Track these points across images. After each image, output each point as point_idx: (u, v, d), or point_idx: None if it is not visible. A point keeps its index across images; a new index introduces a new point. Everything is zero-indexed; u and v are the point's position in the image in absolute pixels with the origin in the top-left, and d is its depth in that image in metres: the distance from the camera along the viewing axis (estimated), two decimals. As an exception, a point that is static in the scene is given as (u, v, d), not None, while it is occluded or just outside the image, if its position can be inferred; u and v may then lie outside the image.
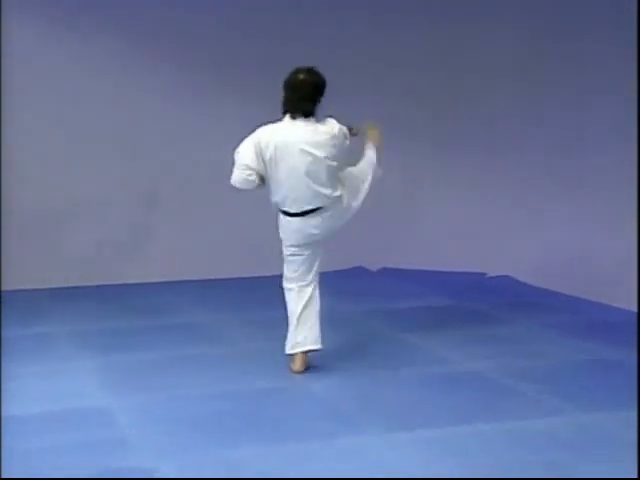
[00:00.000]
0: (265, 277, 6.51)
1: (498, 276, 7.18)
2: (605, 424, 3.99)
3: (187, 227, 7.21)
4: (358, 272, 7.47)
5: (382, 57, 7.16)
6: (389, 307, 6.30)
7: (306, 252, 4.71)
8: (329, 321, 5.57)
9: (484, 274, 7.24)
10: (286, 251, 4.76)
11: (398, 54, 7.26)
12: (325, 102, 4.61)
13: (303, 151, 4.51)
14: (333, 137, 4.54)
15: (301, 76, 4.53)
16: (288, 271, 4.77)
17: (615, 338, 5.32)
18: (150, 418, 4.09)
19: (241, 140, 4.64)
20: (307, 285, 4.73)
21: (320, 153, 4.51)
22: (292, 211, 4.64)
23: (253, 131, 4.64)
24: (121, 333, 5.56)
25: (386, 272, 7.47)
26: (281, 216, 4.71)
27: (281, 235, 4.75)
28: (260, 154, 4.54)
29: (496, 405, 4.24)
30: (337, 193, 4.63)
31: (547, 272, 6.67)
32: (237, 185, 4.60)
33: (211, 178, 6.53)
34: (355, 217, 7.00)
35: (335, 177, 4.63)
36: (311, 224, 4.63)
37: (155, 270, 7.06)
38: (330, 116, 4.63)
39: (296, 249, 4.72)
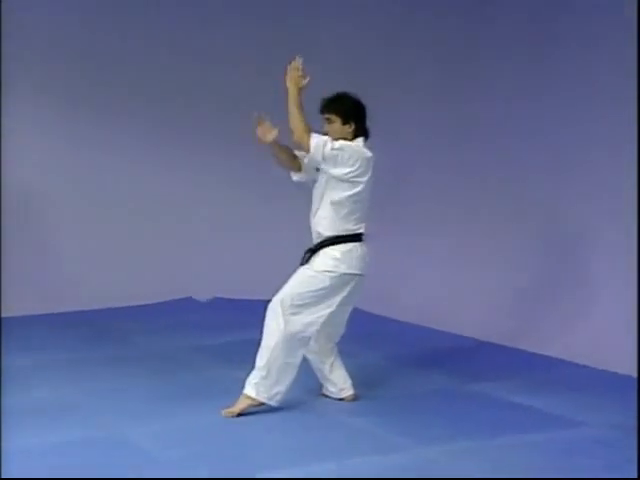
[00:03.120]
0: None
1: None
2: (439, 458, 3.86)
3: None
4: (186, 303, 7.17)
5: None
6: (219, 342, 6.01)
7: None
8: (149, 360, 5.49)
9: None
10: None
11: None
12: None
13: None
14: None
15: None
16: None
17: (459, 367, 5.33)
18: None
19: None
20: None
21: None
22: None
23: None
24: None
25: (217, 303, 7.21)
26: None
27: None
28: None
29: (327, 443, 4.07)
30: None
31: (391, 301, 6.55)
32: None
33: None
34: (182, 243, 7.21)
35: None
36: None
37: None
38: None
39: None
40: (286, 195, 7.14)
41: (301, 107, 4.32)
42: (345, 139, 4.41)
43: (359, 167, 4.35)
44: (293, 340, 4.36)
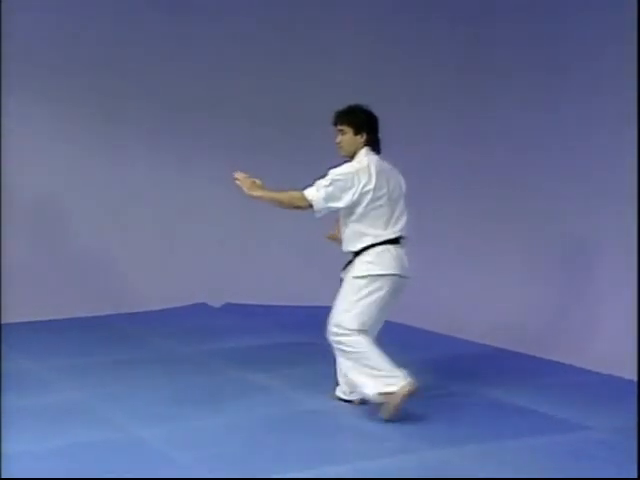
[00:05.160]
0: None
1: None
2: (451, 460, 3.93)
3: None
4: (200, 309, 7.24)
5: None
6: (232, 345, 6.09)
7: None
8: (163, 363, 5.56)
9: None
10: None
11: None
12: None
13: None
14: None
15: None
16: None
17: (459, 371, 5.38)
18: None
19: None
20: None
21: None
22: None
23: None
24: None
25: (229, 308, 7.27)
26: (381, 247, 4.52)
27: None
28: None
29: (339, 446, 4.15)
30: None
31: (403, 307, 6.46)
32: None
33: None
34: (195, 251, 7.27)
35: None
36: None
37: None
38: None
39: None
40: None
41: (272, 191, 4.50)
42: (355, 151, 4.57)
43: (360, 181, 4.46)
44: (365, 336, 4.49)
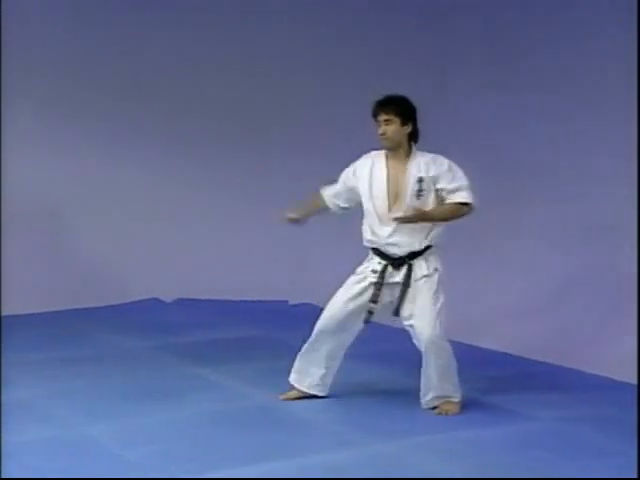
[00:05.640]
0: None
1: (300, 304, 7.05)
2: (402, 453, 3.97)
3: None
4: (151, 304, 7.21)
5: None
6: (183, 341, 6.07)
7: None
8: (118, 359, 5.54)
9: (286, 302, 7.14)
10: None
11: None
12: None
13: None
14: None
15: None
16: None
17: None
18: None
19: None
20: None
21: None
22: None
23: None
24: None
25: (182, 303, 7.25)
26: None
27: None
28: None
29: (293, 440, 4.13)
30: None
31: None
32: None
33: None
34: (147, 245, 7.24)
35: None
36: None
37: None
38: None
39: None
40: (250, 197, 7.38)
41: (431, 210, 4.42)
42: (401, 141, 4.46)
43: None
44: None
